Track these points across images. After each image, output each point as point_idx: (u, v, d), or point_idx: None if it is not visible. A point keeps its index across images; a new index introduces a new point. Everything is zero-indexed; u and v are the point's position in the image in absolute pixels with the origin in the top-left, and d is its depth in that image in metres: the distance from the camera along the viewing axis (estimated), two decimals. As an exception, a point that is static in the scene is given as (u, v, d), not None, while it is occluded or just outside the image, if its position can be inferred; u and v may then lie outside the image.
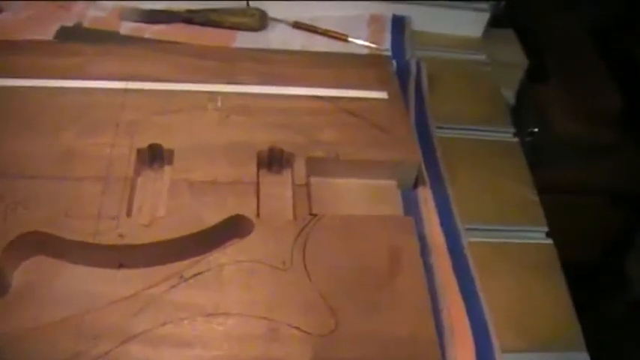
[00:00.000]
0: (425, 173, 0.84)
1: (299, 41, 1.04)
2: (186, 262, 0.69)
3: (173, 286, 0.66)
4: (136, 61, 0.89)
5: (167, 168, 0.78)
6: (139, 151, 0.77)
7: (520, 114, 1.08)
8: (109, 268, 0.69)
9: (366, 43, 1.04)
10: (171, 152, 0.77)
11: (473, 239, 0.81)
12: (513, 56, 1.14)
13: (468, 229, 0.81)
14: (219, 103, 0.83)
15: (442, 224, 0.80)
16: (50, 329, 0.63)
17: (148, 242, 0.69)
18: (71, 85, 0.85)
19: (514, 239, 0.83)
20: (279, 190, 0.77)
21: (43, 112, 0.81)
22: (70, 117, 0.80)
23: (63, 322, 0.63)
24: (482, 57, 1.09)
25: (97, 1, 1.08)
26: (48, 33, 1.01)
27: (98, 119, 0.80)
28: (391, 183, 0.81)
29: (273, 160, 0.79)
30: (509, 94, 1.08)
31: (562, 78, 1.36)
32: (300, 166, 0.77)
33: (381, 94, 0.87)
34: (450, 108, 0.98)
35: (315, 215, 0.73)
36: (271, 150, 0.78)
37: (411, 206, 0.81)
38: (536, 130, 1.24)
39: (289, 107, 0.84)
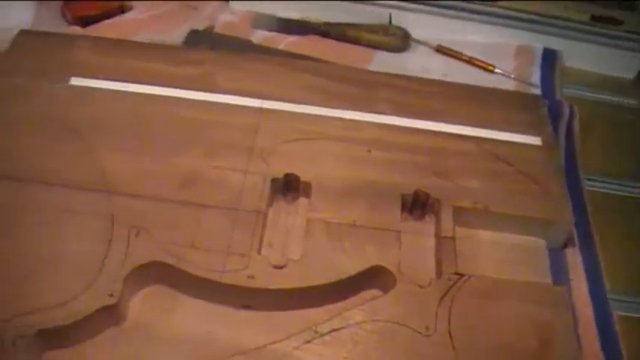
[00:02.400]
0: (575, 234, 0.76)
1: (440, 67, 0.97)
2: (317, 312, 0.63)
3: (307, 342, 0.60)
4: (269, 77, 0.83)
5: (302, 200, 0.72)
6: (273, 181, 0.71)
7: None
8: (232, 307, 0.64)
9: (514, 77, 0.96)
10: (308, 185, 0.71)
11: (622, 313, 0.72)
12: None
13: (613, 300, 0.73)
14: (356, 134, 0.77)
15: (590, 294, 0.72)
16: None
17: (279, 288, 0.63)
18: (200, 97, 0.79)
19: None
20: (421, 240, 0.71)
21: (168, 125, 0.76)
22: (198, 134, 0.75)
23: (184, 370, 0.58)
24: (635, 102, 1.00)
25: (230, 1, 1.03)
26: (174, 35, 0.95)
27: (230, 140, 0.75)
28: (539, 242, 0.74)
29: (415, 205, 0.72)
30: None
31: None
32: (447, 216, 0.70)
33: (534, 140, 0.79)
34: (598, 158, 0.89)
35: (462, 275, 0.66)
36: (416, 194, 0.71)
37: (557, 269, 0.73)
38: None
39: (433, 146, 0.77)
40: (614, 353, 0.68)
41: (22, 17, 0.94)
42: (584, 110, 0.94)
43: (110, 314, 0.61)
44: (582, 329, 0.69)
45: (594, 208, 0.81)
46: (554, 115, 0.88)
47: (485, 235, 0.73)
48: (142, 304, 0.64)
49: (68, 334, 0.59)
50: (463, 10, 0.99)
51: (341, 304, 0.64)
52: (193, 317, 0.63)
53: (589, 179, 0.86)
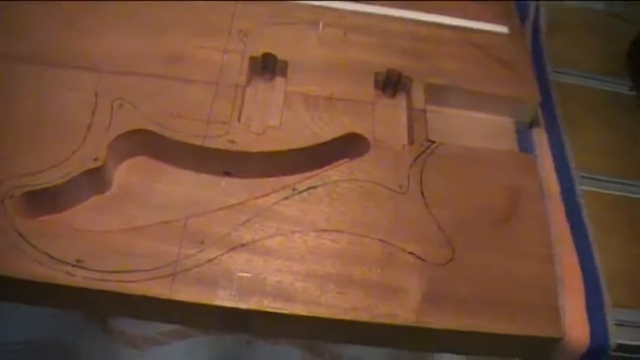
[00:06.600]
0: (541, 115, 0.79)
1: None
2: (295, 178, 0.66)
3: (285, 198, 0.63)
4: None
5: (279, 79, 0.74)
6: (251, 59, 0.73)
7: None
8: (213, 175, 0.66)
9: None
10: (284, 64, 0.74)
11: (586, 188, 0.76)
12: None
13: (581, 177, 0.77)
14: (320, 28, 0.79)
15: (556, 169, 0.76)
16: (154, 230, 0.60)
17: (260, 151, 0.65)
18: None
19: (630, 194, 0.78)
20: (393, 114, 0.73)
21: (148, 9, 0.77)
22: (179, 17, 0.77)
23: (166, 224, 0.61)
24: (600, 5, 1.03)
25: None
26: None
27: (209, 23, 0.76)
28: (508, 120, 0.77)
29: (388, 84, 0.75)
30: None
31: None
32: (418, 91, 0.73)
33: (502, 29, 0.82)
34: (567, 56, 0.93)
35: (433, 142, 0.69)
36: (389, 72, 0.74)
37: (525, 147, 0.76)
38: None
39: (410, 32, 0.79)
40: (579, 224, 0.71)
41: None
42: (555, 15, 0.96)
43: (95, 179, 0.63)
44: (548, 202, 0.72)
45: (563, 97, 0.84)
46: (520, 14, 0.91)
47: (457, 113, 0.76)
48: (127, 174, 0.66)
49: (56, 198, 0.62)
50: None
51: (318, 171, 0.67)
52: (177, 185, 0.65)
53: (556, 71, 0.89)
